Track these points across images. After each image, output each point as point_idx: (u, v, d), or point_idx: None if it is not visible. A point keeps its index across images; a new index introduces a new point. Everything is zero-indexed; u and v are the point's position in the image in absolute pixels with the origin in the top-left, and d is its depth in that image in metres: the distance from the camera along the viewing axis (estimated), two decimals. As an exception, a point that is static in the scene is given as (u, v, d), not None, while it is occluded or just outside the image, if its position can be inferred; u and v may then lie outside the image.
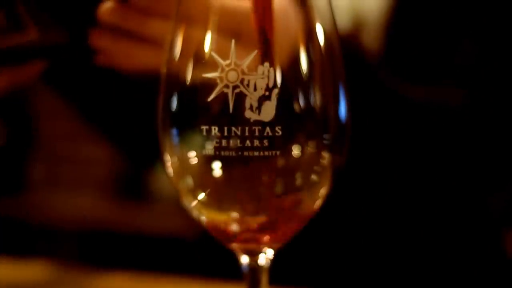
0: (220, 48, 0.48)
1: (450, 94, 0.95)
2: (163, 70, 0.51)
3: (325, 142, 0.49)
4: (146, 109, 0.65)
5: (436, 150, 0.95)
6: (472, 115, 0.95)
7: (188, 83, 0.49)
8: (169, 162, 0.51)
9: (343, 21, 1.04)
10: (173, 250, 1.74)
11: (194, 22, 0.50)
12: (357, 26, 1.04)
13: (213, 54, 0.47)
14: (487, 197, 1.06)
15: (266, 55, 0.47)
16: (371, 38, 1.02)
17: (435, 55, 0.99)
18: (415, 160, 0.95)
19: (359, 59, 0.89)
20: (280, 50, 0.48)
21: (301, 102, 0.48)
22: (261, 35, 0.49)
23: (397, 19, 1.00)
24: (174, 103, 0.49)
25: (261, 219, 0.50)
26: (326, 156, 0.50)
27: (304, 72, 0.48)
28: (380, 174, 0.96)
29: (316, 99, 0.49)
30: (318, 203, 0.51)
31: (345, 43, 0.89)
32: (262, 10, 0.49)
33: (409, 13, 1.01)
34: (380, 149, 0.93)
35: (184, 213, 0.53)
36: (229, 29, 0.48)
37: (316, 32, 0.49)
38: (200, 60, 0.48)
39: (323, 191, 0.51)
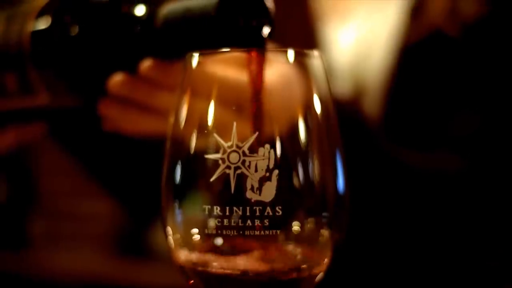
0: (222, 121, 0.49)
1: (446, 161, 0.96)
2: (168, 139, 0.52)
3: (324, 220, 0.50)
4: (148, 166, 0.67)
5: (435, 212, 0.95)
6: (469, 181, 0.96)
7: (192, 151, 0.50)
8: (171, 236, 0.52)
9: (345, 88, 1.05)
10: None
11: (198, 93, 0.51)
12: (358, 93, 1.05)
13: (215, 135, 0.48)
14: (487, 254, 1.06)
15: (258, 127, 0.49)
16: (372, 105, 1.04)
17: (433, 123, 1.00)
18: (414, 222, 0.95)
19: (360, 124, 0.91)
20: (280, 120, 0.49)
21: (301, 175, 0.49)
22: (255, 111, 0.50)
23: (397, 87, 1.02)
24: (178, 175, 0.50)
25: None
26: (325, 233, 0.50)
27: (303, 141, 0.49)
28: (379, 237, 0.97)
29: (315, 169, 0.50)
30: (319, 277, 0.52)
31: (347, 108, 0.91)
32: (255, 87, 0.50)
33: (409, 82, 1.02)
34: (379, 213, 0.93)
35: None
36: (231, 101, 0.50)
37: (314, 101, 0.51)
38: (203, 131, 0.50)
39: (323, 265, 0.52)
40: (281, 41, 0.64)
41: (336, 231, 0.51)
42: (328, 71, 0.90)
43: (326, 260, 0.51)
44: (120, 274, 2.38)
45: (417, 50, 1.02)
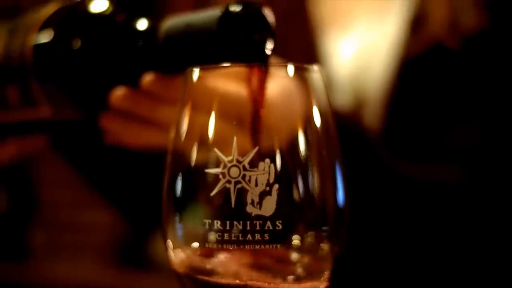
0: (222, 135, 0.49)
1: (446, 173, 0.97)
2: (169, 152, 0.52)
3: (324, 233, 0.50)
4: (149, 179, 0.67)
5: (435, 224, 0.96)
6: (469, 193, 0.96)
7: (192, 165, 0.50)
8: (171, 249, 0.52)
9: (345, 100, 1.06)
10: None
11: (199, 107, 0.51)
12: (358, 105, 1.06)
13: (216, 150, 0.49)
14: (487, 265, 1.06)
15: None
16: (372, 117, 1.04)
17: (433, 135, 1.01)
18: (414, 234, 0.96)
19: (360, 136, 0.91)
20: (281, 133, 0.50)
21: (301, 188, 0.49)
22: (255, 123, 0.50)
23: (397, 99, 1.02)
24: (178, 188, 0.51)
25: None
26: (325, 246, 0.51)
27: (303, 155, 0.50)
28: (380, 249, 0.97)
29: (315, 183, 0.50)
30: (320, 290, 0.52)
31: (347, 121, 0.91)
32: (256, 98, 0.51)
33: (409, 94, 1.03)
34: (379, 225, 0.93)
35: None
36: (232, 115, 0.50)
37: (313, 115, 0.51)
38: (203, 145, 0.50)
39: (324, 279, 0.52)
40: (282, 53, 0.65)
41: (336, 244, 0.51)
42: (328, 83, 0.90)
43: (326, 273, 0.52)
44: (120, 285, 2.38)
45: (417, 62, 1.02)
